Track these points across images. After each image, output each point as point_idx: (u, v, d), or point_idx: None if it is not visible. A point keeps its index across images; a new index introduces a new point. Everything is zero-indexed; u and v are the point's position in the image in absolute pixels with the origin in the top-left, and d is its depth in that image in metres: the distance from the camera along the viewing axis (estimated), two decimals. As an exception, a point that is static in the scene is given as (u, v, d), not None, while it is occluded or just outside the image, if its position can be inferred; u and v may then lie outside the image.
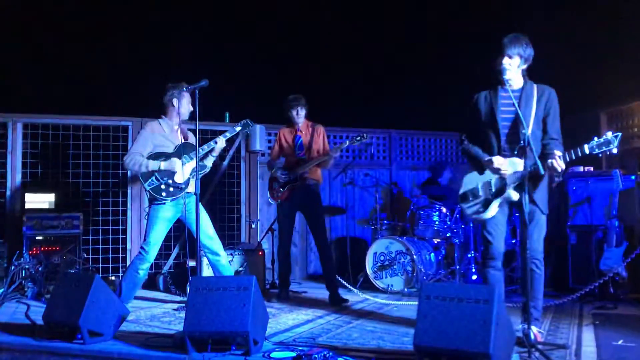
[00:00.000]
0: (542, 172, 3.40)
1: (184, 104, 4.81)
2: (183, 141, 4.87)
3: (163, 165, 4.71)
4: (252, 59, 8.47)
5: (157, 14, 7.87)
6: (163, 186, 4.70)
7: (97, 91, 7.22)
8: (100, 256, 6.34)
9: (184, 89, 4.76)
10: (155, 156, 4.73)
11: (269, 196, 5.71)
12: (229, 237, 6.76)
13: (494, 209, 3.70)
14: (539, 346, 3.31)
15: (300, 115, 5.51)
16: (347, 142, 5.41)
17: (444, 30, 8.24)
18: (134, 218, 6.47)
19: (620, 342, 3.61)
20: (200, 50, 8.14)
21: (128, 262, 6.37)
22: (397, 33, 8.65)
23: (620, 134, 3.39)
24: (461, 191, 3.92)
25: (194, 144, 4.81)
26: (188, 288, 5.51)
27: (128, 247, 6.43)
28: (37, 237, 5.68)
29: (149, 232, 4.74)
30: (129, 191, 6.49)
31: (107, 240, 6.39)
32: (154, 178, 4.68)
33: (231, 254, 5.91)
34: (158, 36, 7.76)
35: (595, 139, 3.40)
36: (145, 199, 6.44)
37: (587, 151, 3.39)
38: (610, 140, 3.34)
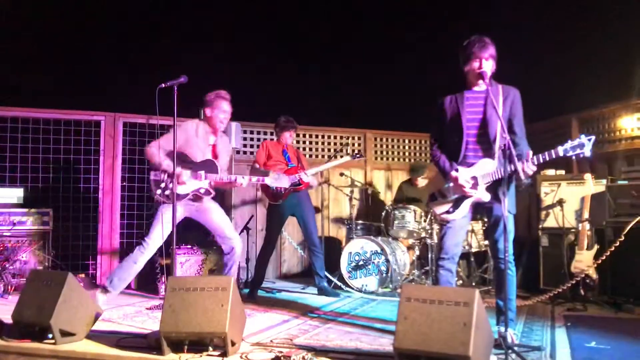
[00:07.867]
0: (523, 179, 3.41)
1: None
2: None
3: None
4: (225, 56, 8.39)
5: (132, 10, 7.75)
6: None
7: (69, 85, 7.05)
8: (70, 253, 6.19)
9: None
10: None
11: (268, 199, 5.80)
12: (201, 235, 6.66)
13: (464, 209, 3.70)
14: (515, 348, 3.35)
15: (292, 136, 5.96)
16: (349, 157, 5.96)
17: (425, 31, 8.28)
18: (105, 214, 6.34)
19: (593, 343, 3.67)
20: (174, 47, 8.03)
21: (99, 260, 6.25)
22: (377, 32, 8.68)
23: (593, 137, 3.43)
24: (431, 191, 3.93)
25: None
26: (162, 287, 5.47)
27: (99, 244, 6.30)
28: (4, 233, 5.53)
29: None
30: (100, 187, 6.35)
31: (78, 237, 6.25)
32: None
33: (204, 253, 5.88)
34: (132, 32, 7.64)
35: (569, 141, 3.42)
36: (118, 195, 6.36)
37: (560, 154, 3.39)
38: (583, 143, 3.37)
